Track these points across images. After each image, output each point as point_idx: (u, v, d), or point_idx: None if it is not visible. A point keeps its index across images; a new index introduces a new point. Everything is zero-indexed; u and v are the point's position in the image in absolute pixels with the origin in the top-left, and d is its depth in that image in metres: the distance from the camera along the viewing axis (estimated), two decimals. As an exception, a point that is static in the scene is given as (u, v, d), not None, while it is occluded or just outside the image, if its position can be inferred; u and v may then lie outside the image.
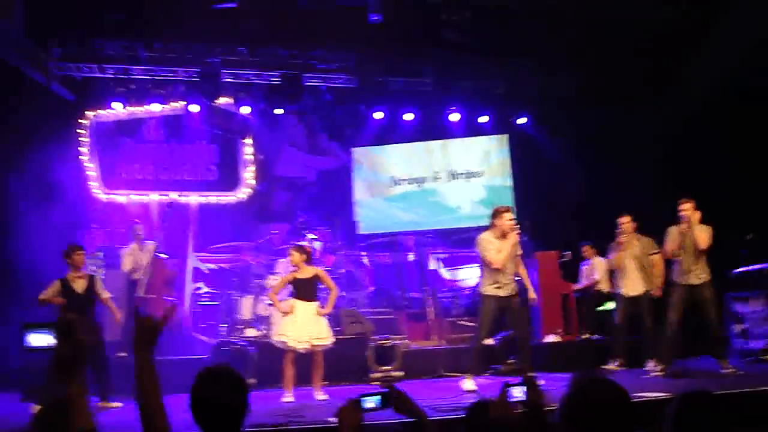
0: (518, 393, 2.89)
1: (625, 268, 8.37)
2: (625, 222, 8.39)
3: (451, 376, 8.54)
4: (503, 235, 7.37)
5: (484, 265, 7.44)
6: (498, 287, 7.34)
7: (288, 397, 7.29)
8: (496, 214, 7.51)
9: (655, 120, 10.77)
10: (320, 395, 7.41)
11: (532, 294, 7.88)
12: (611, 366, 8.26)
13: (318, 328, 7.47)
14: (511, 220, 7.43)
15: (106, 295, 7.66)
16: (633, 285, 8.30)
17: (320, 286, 7.73)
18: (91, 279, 7.53)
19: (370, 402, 2.76)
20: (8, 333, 8.50)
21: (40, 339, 2.30)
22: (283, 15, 10.56)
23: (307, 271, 7.63)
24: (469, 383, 7.33)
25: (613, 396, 2.00)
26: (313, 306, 7.51)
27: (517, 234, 7.46)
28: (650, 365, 7.94)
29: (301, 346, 7.37)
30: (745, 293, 9.24)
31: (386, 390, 2.83)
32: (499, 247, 7.34)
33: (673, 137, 10.49)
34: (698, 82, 10.07)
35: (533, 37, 10.94)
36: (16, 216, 9.64)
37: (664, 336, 7.83)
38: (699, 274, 7.76)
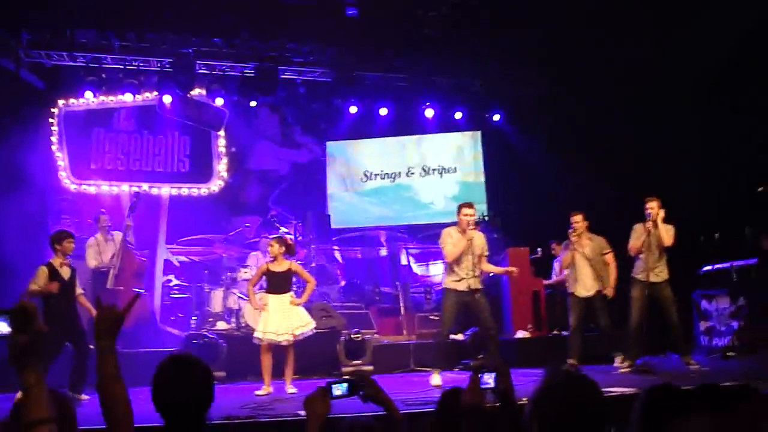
0: (489, 380, 2.92)
1: (577, 268, 8.27)
2: (578, 221, 8.28)
3: (422, 371, 8.57)
4: (463, 231, 7.48)
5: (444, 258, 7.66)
6: (457, 281, 7.48)
7: (265, 389, 7.29)
8: (458, 209, 7.72)
9: (627, 117, 10.87)
10: (290, 388, 7.40)
11: (510, 269, 8.19)
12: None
13: (296, 317, 7.48)
14: (468, 215, 7.54)
15: (79, 291, 7.54)
16: (585, 285, 8.21)
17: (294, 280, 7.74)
18: (73, 269, 7.41)
19: (338, 389, 2.75)
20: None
21: None
22: (260, 7, 10.50)
23: (282, 264, 7.62)
24: (436, 378, 7.42)
25: (586, 391, 2.01)
26: (286, 297, 7.50)
27: (473, 229, 7.55)
28: (617, 361, 8.05)
29: (283, 338, 7.37)
30: (711, 291, 9.40)
31: (354, 378, 2.83)
32: (456, 241, 7.48)
33: (644, 133, 10.58)
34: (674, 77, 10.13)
35: (508, 34, 11.00)
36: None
37: (628, 333, 7.94)
38: (659, 272, 7.91)
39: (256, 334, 7.49)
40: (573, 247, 8.27)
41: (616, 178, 10.75)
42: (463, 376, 8.30)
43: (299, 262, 10.56)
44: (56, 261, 7.21)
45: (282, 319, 7.39)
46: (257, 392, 7.25)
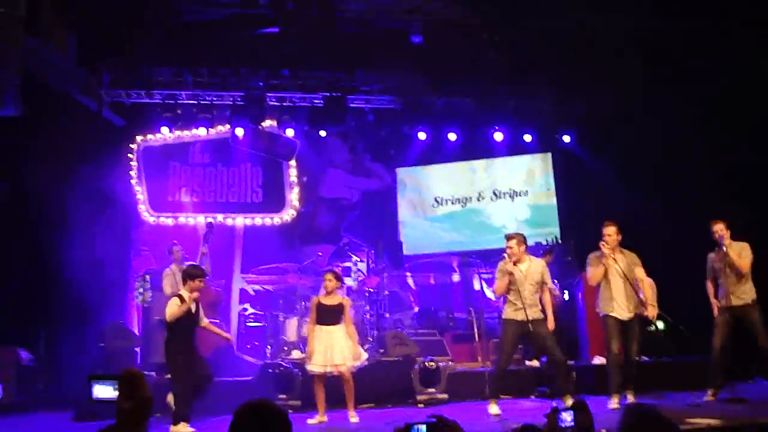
0: (567, 417, 2.84)
1: (611, 286, 7.56)
2: (611, 233, 7.59)
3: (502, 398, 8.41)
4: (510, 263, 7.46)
5: None
6: (515, 311, 7.40)
7: (318, 418, 7.40)
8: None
9: (702, 136, 10.55)
10: (353, 418, 7.44)
11: (550, 323, 7.63)
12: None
13: (341, 351, 7.50)
14: (509, 247, 7.49)
15: (205, 321, 7.72)
16: (621, 306, 7.52)
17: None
18: (197, 302, 7.49)
19: (420, 430, 2.73)
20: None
21: (105, 391, 2.35)
22: (325, 38, 10.68)
23: (334, 298, 7.70)
24: (494, 408, 7.36)
25: (664, 429, 1.95)
26: (335, 329, 7.58)
27: (510, 261, 7.44)
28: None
29: (321, 370, 7.49)
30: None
31: (434, 420, 2.79)
32: (502, 274, 7.49)
33: (721, 155, 10.25)
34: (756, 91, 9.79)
35: (576, 54, 10.86)
36: (71, 239, 9.84)
37: (710, 360, 7.61)
38: (741, 294, 7.51)
39: (307, 365, 7.67)
40: (605, 261, 7.51)
41: (691, 199, 10.42)
42: (539, 404, 8.16)
43: (371, 290, 10.63)
44: (184, 294, 7.28)
45: (330, 352, 7.46)
46: (309, 420, 7.33)
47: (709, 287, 7.84)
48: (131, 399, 2.20)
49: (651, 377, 8.43)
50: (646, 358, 9.43)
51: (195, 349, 7.30)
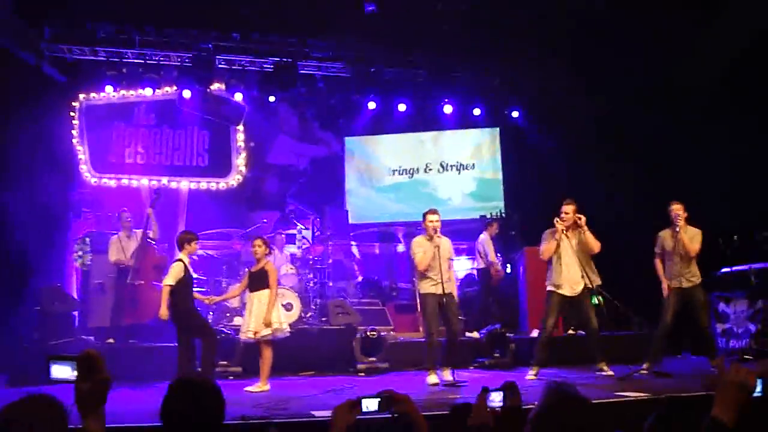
0: (496, 398, 2.91)
1: (562, 262, 7.74)
2: (568, 211, 7.72)
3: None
4: (431, 237, 7.66)
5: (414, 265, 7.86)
6: (433, 285, 7.67)
7: (257, 386, 7.37)
8: (423, 217, 7.88)
9: (648, 115, 10.75)
10: (254, 387, 7.36)
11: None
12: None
13: (257, 318, 7.49)
14: (432, 221, 7.73)
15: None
16: (570, 282, 7.71)
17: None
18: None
19: (369, 405, 2.77)
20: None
21: (63, 371, 2.33)
22: (279, 2, 10.50)
23: (259, 264, 7.72)
24: (432, 377, 7.56)
25: (580, 411, 2.02)
26: (259, 295, 7.58)
27: (438, 236, 7.68)
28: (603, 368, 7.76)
29: (245, 336, 7.54)
30: (728, 293, 9.30)
31: (386, 394, 2.83)
32: (426, 248, 7.69)
33: (665, 133, 10.47)
34: (699, 73, 9.97)
35: (527, 29, 10.92)
36: (7, 199, 9.56)
37: (655, 336, 7.86)
38: (690, 277, 7.75)
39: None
40: (557, 237, 7.69)
41: (635, 177, 10.65)
42: (478, 375, 8.34)
43: (315, 257, 10.65)
44: (185, 259, 7.55)
45: (250, 318, 7.52)
46: (247, 388, 7.32)
47: (658, 265, 7.98)
48: (90, 380, 2.20)
49: (586, 351, 8.65)
50: (582, 332, 9.70)
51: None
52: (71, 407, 2.27)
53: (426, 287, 7.74)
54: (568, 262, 7.73)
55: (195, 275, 10.24)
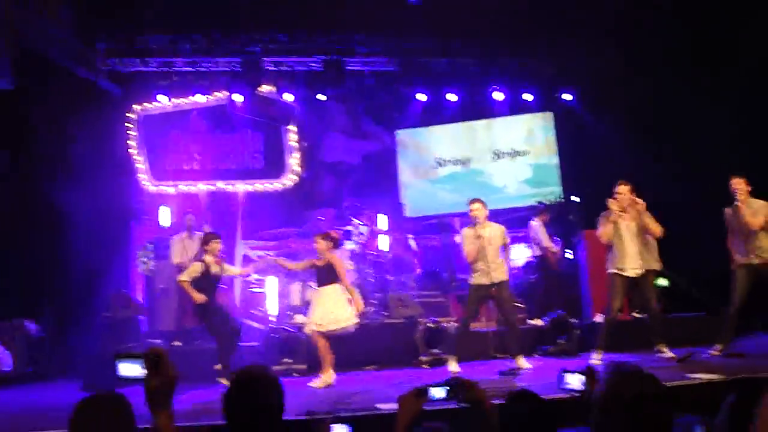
0: (575, 381, 2.84)
1: (623, 244, 7.61)
2: (623, 191, 7.62)
3: (502, 357, 8.49)
4: (475, 226, 7.74)
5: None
6: (481, 275, 7.68)
7: (322, 379, 7.39)
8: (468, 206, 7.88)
9: (707, 91, 10.43)
10: (316, 383, 7.41)
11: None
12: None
13: (326, 312, 7.54)
14: (474, 210, 7.78)
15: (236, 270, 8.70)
16: (632, 263, 7.57)
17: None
18: (221, 266, 8.13)
19: (437, 393, 2.75)
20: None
21: (131, 369, 2.37)
22: (322, 0, 10.56)
23: (324, 259, 7.74)
24: (453, 365, 7.66)
25: (646, 387, 1.96)
26: (326, 290, 7.64)
27: (483, 224, 7.74)
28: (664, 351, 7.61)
29: (309, 329, 7.59)
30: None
31: (454, 381, 2.81)
32: (472, 239, 7.72)
33: (725, 112, 10.13)
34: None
35: (576, 11, 10.71)
36: (69, 211, 9.86)
37: (726, 316, 7.59)
38: (762, 252, 7.42)
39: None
40: (614, 218, 7.59)
41: (693, 158, 10.34)
42: (542, 362, 8.23)
43: (373, 252, 10.66)
44: (208, 258, 7.94)
45: (321, 311, 7.54)
46: (310, 383, 7.37)
47: (730, 241, 7.69)
48: (158, 377, 2.25)
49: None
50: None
51: (221, 306, 8.13)
52: (141, 406, 2.32)
53: (474, 278, 7.78)
54: (628, 243, 7.59)
55: (256, 276, 10.49)
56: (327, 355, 7.47)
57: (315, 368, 8.10)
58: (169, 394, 2.30)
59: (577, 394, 2.84)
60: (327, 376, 7.38)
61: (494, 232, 7.81)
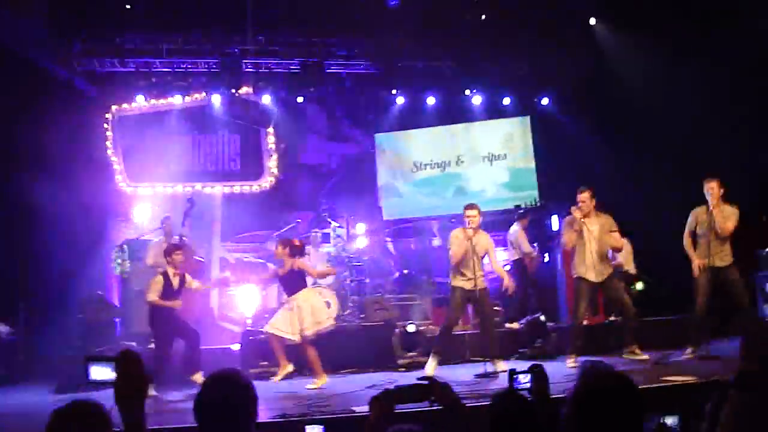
0: (525, 380, 2.91)
1: (584, 249, 7.71)
2: (584, 199, 7.70)
3: (479, 361, 8.50)
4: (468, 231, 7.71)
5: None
6: (465, 280, 7.71)
7: (317, 382, 7.43)
8: (463, 210, 7.88)
9: (678, 96, 10.53)
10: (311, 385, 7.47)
11: (506, 282, 8.06)
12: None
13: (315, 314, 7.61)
14: (469, 216, 7.73)
15: (197, 284, 8.39)
16: (594, 268, 7.68)
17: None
18: (182, 276, 8.05)
19: (408, 394, 2.76)
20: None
21: (102, 372, 2.35)
22: (301, 2, 10.54)
23: (288, 265, 7.75)
24: (430, 367, 7.71)
25: (618, 386, 1.98)
26: (296, 297, 7.65)
27: (475, 230, 7.72)
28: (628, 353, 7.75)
29: (291, 340, 7.61)
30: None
31: (426, 382, 2.82)
32: (461, 242, 7.72)
33: (699, 112, 10.24)
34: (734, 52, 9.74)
35: (553, 16, 10.80)
36: (44, 211, 9.74)
37: (691, 319, 7.70)
38: (723, 256, 7.56)
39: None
40: (578, 225, 7.69)
41: (669, 159, 10.44)
42: (519, 365, 8.24)
43: (351, 255, 10.64)
44: (169, 270, 7.90)
45: (292, 318, 7.57)
46: (307, 385, 7.39)
47: (688, 241, 7.79)
48: (129, 380, 2.23)
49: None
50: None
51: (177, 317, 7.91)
52: (112, 409, 2.29)
53: (457, 281, 7.79)
54: (592, 249, 7.69)
55: (233, 278, 10.43)
56: (317, 359, 7.54)
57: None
58: (140, 397, 2.27)
59: (527, 393, 2.92)
60: (322, 380, 7.48)
61: (482, 240, 7.84)
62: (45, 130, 9.62)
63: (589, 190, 7.77)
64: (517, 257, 10.37)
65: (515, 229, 10.42)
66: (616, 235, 7.81)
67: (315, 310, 7.62)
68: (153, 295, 7.71)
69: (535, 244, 10.65)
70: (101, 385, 2.36)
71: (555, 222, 11.39)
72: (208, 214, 11.48)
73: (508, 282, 8.03)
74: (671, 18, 9.93)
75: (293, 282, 7.70)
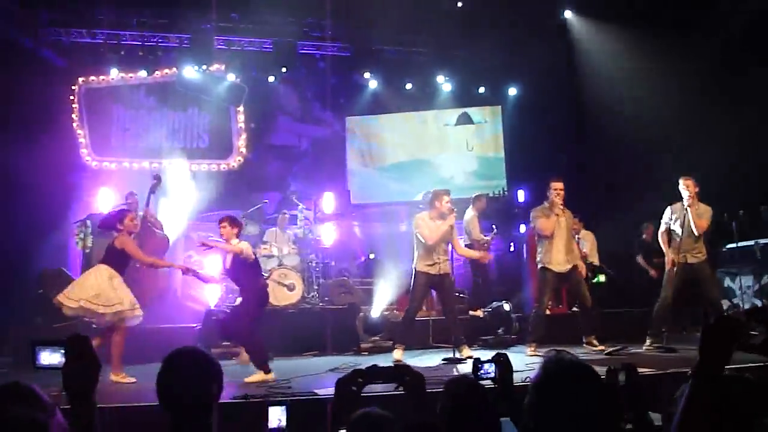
0: (489, 369, 2.93)
1: (552, 240, 7.75)
2: (560, 188, 7.77)
3: (441, 347, 8.55)
4: (441, 217, 7.66)
5: (419, 243, 7.72)
6: (430, 265, 7.65)
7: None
8: (436, 196, 7.80)
9: (650, 86, 10.62)
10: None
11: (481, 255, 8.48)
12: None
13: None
14: (449, 202, 7.71)
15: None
16: (559, 259, 7.74)
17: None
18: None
19: (373, 376, 2.77)
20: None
21: (52, 357, 2.24)
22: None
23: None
24: (398, 353, 7.57)
25: (581, 375, 2.00)
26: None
27: (453, 216, 7.73)
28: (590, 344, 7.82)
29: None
30: (734, 269, 9.25)
31: (397, 368, 2.83)
32: (433, 227, 7.65)
33: (666, 109, 10.36)
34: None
35: (529, 8, 10.82)
36: (7, 182, 9.55)
37: (656, 312, 7.82)
38: (697, 253, 7.67)
39: None
40: (556, 213, 7.72)
41: (637, 154, 10.56)
42: (483, 353, 8.31)
43: (317, 237, 10.60)
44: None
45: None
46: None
47: (664, 238, 7.91)
48: (79, 365, 2.14)
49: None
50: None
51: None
52: (61, 393, 2.21)
53: (422, 266, 7.70)
54: (559, 240, 7.76)
55: (197, 257, 10.33)
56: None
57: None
58: (91, 382, 2.20)
59: (491, 381, 2.93)
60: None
61: (448, 226, 7.78)
62: (8, 100, 9.40)
63: (561, 180, 7.85)
64: (468, 243, 10.24)
65: (470, 214, 10.23)
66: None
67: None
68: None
69: (496, 233, 10.41)
70: (51, 370, 2.25)
71: (521, 195, 11.50)
72: (174, 191, 11.33)
73: (482, 254, 8.32)
74: (646, 13, 10.00)
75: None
